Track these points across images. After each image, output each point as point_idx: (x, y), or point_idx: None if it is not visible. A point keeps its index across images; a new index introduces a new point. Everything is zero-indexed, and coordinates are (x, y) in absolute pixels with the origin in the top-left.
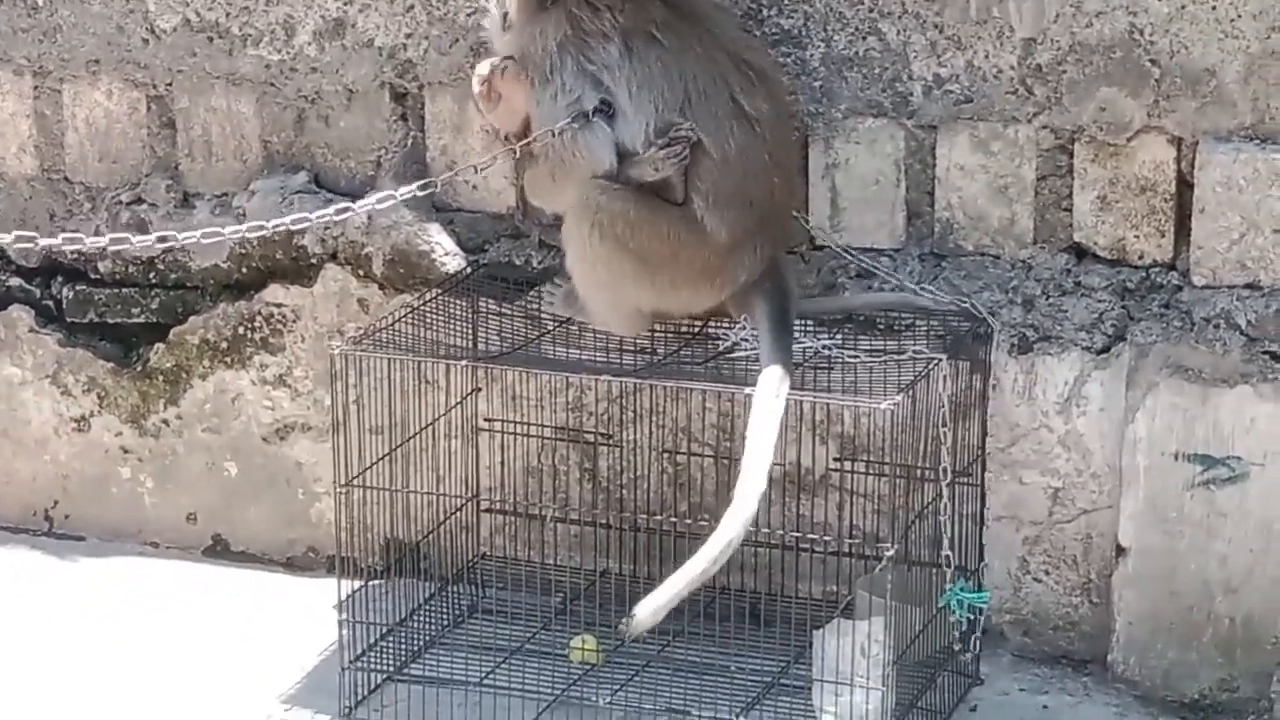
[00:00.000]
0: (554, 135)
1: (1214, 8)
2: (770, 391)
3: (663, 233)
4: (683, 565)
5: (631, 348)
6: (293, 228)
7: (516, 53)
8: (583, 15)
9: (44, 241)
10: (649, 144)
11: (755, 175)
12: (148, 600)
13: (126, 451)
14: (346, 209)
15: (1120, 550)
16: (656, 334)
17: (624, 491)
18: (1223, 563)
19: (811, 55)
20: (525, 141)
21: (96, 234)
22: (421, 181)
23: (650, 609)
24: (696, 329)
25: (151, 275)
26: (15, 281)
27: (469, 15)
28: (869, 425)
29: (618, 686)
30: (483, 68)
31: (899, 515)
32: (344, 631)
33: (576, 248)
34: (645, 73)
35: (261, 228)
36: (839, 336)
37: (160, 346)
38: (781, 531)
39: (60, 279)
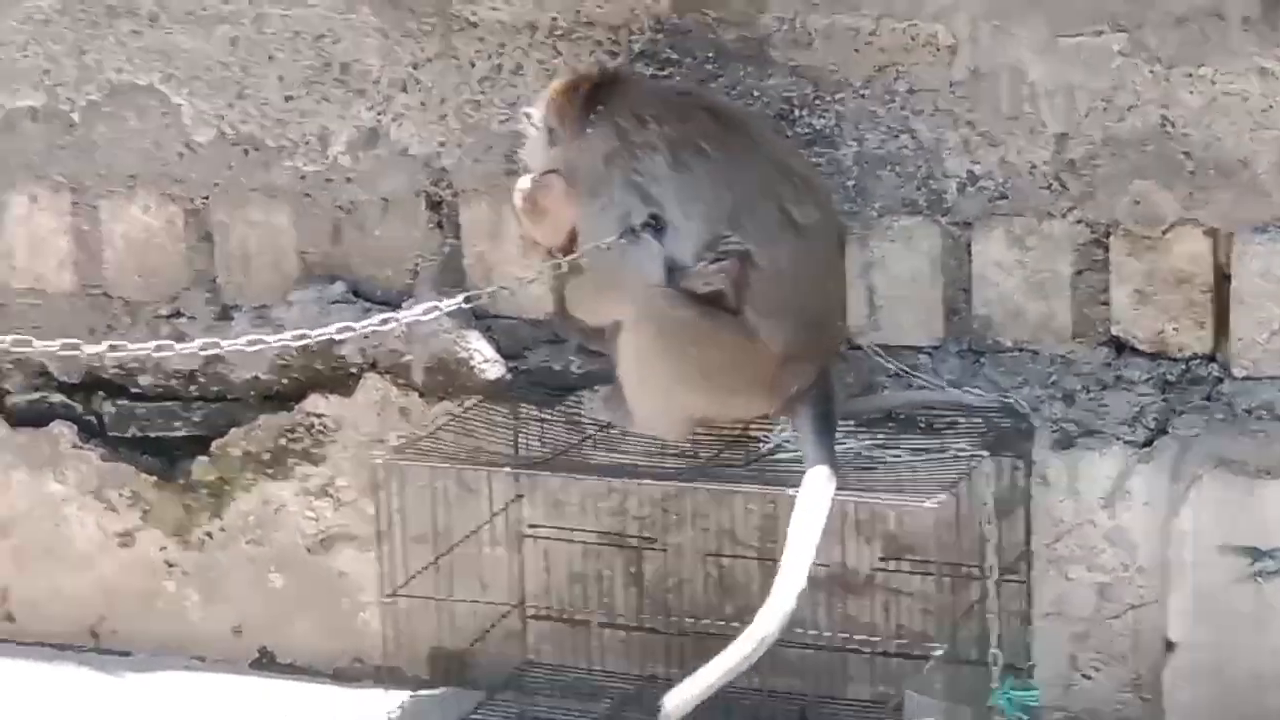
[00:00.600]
0: (601, 249)
1: (1245, 99)
2: (816, 490)
3: (722, 341)
4: (718, 660)
5: (674, 451)
6: (337, 337)
7: (561, 166)
8: (629, 128)
9: (89, 349)
10: (699, 258)
11: (807, 284)
12: (196, 715)
13: (171, 565)
14: (391, 318)
15: (1169, 645)
16: (698, 437)
17: (669, 596)
18: (1274, 655)
19: (844, 154)
20: (573, 256)
21: None
22: (466, 293)
23: (679, 700)
24: (739, 431)
25: (193, 388)
26: (57, 398)
27: (502, 123)
28: (913, 524)
29: None
30: (523, 182)
31: (946, 615)
32: None
33: (632, 353)
34: (694, 186)
35: (305, 336)
36: (880, 436)
37: (203, 459)
38: (829, 633)
39: (102, 394)
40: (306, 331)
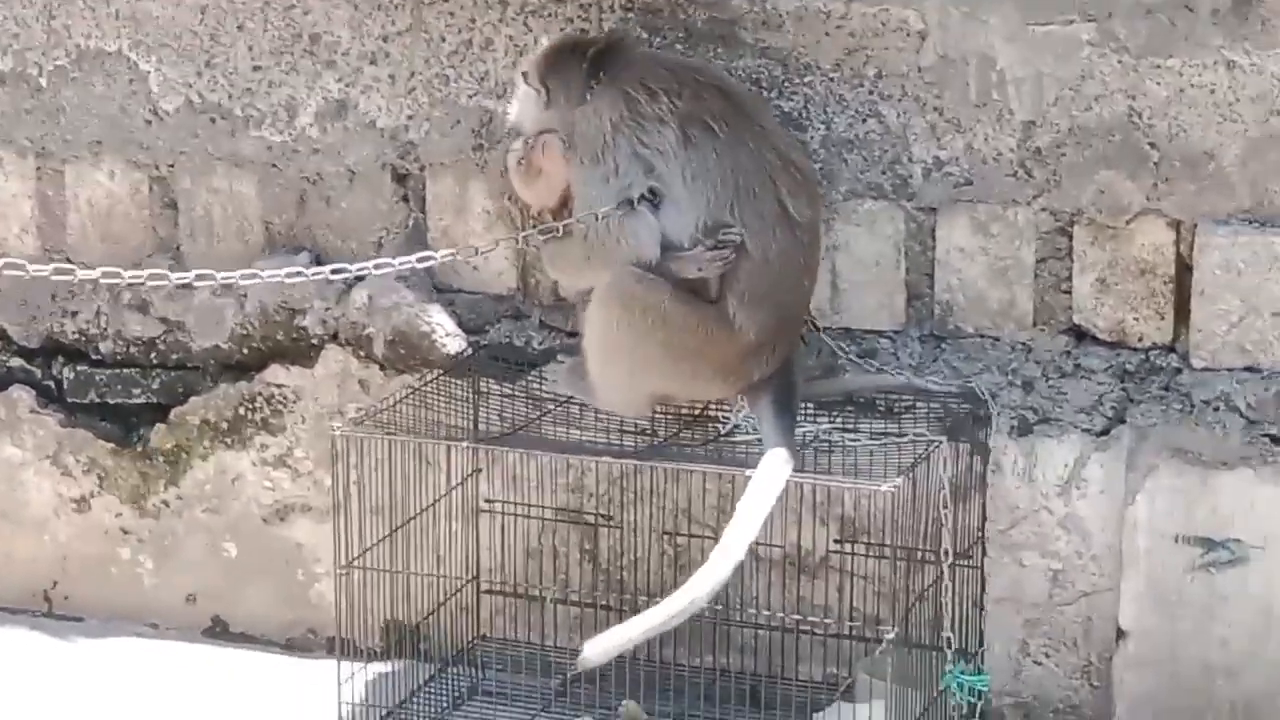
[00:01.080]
0: (598, 219)
1: (1212, 91)
2: (771, 470)
3: (692, 326)
4: (643, 615)
5: (632, 429)
6: (375, 271)
7: (561, 129)
8: (640, 98)
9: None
10: (696, 241)
11: (789, 278)
12: (147, 682)
13: (126, 532)
14: (342, 269)
15: (1121, 633)
16: (657, 416)
17: (624, 573)
18: (1224, 646)
19: (812, 137)
20: (568, 222)
21: (98, 315)
22: (421, 254)
23: (598, 648)
24: (697, 411)
25: (152, 355)
26: (16, 362)
27: (470, 97)
28: (869, 507)
29: None
30: (518, 142)
31: (899, 598)
32: (344, 713)
33: (599, 329)
34: (700, 164)
35: (300, 273)
36: (839, 420)
37: (161, 427)
38: (782, 614)
39: (61, 359)
40: (346, 266)
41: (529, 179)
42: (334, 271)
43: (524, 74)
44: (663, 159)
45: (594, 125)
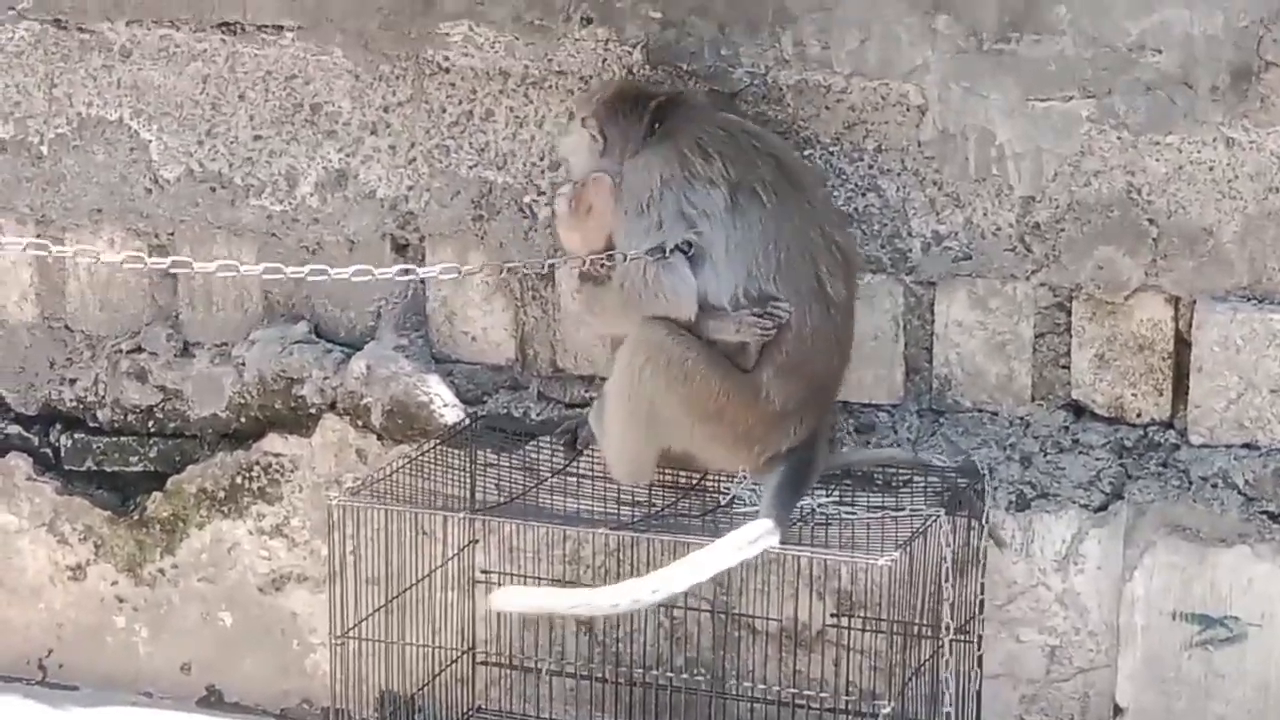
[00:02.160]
0: (625, 259)
1: (1211, 169)
2: (749, 534)
3: (714, 389)
4: (561, 590)
5: (629, 500)
6: (398, 277)
7: (612, 176)
8: (693, 157)
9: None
10: (737, 303)
11: (821, 356)
12: None
13: (122, 600)
14: (322, 271)
15: (1118, 710)
16: (654, 486)
17: (620, 645)
18: None
19: None
20: (600, 257)
21: (96, 383)
22: (402, 266)
23: (508, 599)
24: (695, 481)
25: (150, 424)
26: (13, 429)
27: (470, 168)
28: (866, 581)
29: None
30: (565, 186)
31: (896, 672)
32: None
33: (622, 379)
34: (745, 231)
35: (368, 271)
36: (837, 493)
37: (158, 495)
38: (778, 687)
39: (58, 426)
40: (370, 268)
41: (577, 219)
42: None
43: (582, 118)
44: (707, 221)
45: (643, 178)
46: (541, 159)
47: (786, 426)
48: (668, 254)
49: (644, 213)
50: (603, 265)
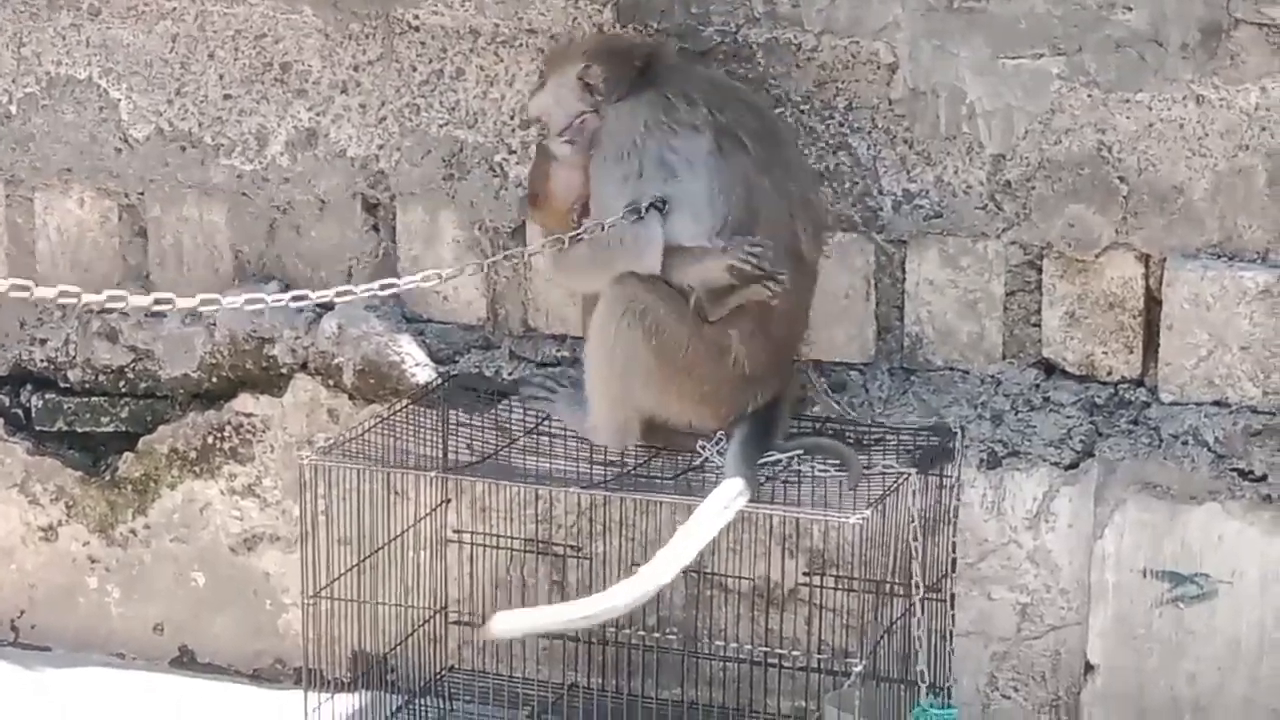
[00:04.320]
0: (604, 228)
1: (1182, 126)
2: (723, 497)
3: (683, 342)
4: (559, 605)
5: (602, 459)
6: (380, 293)
7: (590, 122)
8: (679, 103)
9: (135, 301)
10: (714, 237)
11: (788, 317)
12: (113, 712)
13: (94, 561)
14: (303, 296)
15: (1089, 667)
16: (631, 446)
17: None
18: (1191, 681)
19: None
20: (581, 230)
21: (67, 343)
22: (383, 281)
23: (507, 624)
24: (669, 443)
25: (121, 384)
26: None
27: (441, 127)
28: (838, 539)
29: None
30: (555, 141)
31: (868, 630)
32: None
33: (600, 334)
34: (729, 175)
35: (350, 292)
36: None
37: (129, 455)
38: (750, 646)
39: (29, 387)
40: (352, 288)
41: (580, 154)
42: (295, 299)
43: (584, 67)
44: (689, 167)
45: (627, 124)
46: (512, 118)
47: (752, 390)
48: (643, 213)
49: (624, 159)
50: (576, 222)
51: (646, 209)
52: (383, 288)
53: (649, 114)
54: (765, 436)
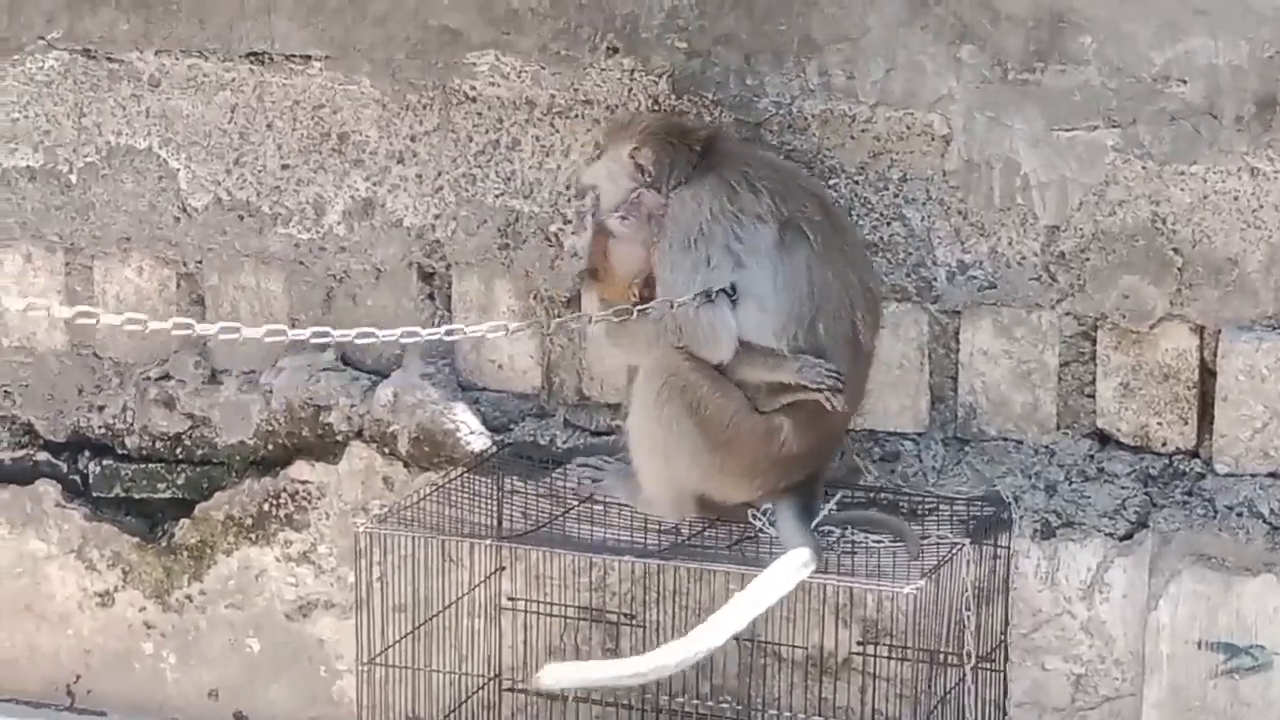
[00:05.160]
0: (673, 307)
1: (1236, 198)
2: (785, 568)
3: (726, 420)
4: (611, 661)
5: (656, 528)
6: (403, 339)
7: (648, 208)
8: (742, 191)
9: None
10: (791, 345)
11: (845, 403)
12: None
13: (150, 627)
14: (460, 330)
15: None
16: (686, 517)
17: None
18: None
19: None
20: (649, 305)
21: (124, 410)
22: (448, 327)
23: (557, 675)
24: (722, 512)
25: (178, 451)
26: (42, 456)
27: (497, 197)
28: (892, 609)
29: None
30: (611, 218)
31: (922, 700)
32: None
33: (642, 408)
34: (791, 270)
35: (370, 333)
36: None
37: (186, 522)
38: (803, 715)
39: (87, 453)
40: (373, 330)
41: (636, 231)
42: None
43: (634, 148)
44: (754, 258)
45: (691, 210)
46: (567, 188)
47: (793, 467)
48: (713, 298)
49: (691, 246)
50: (637, 302)
51: (717, 293)
52: (448, 333)
53: (713, 201)
54: (811, 506)
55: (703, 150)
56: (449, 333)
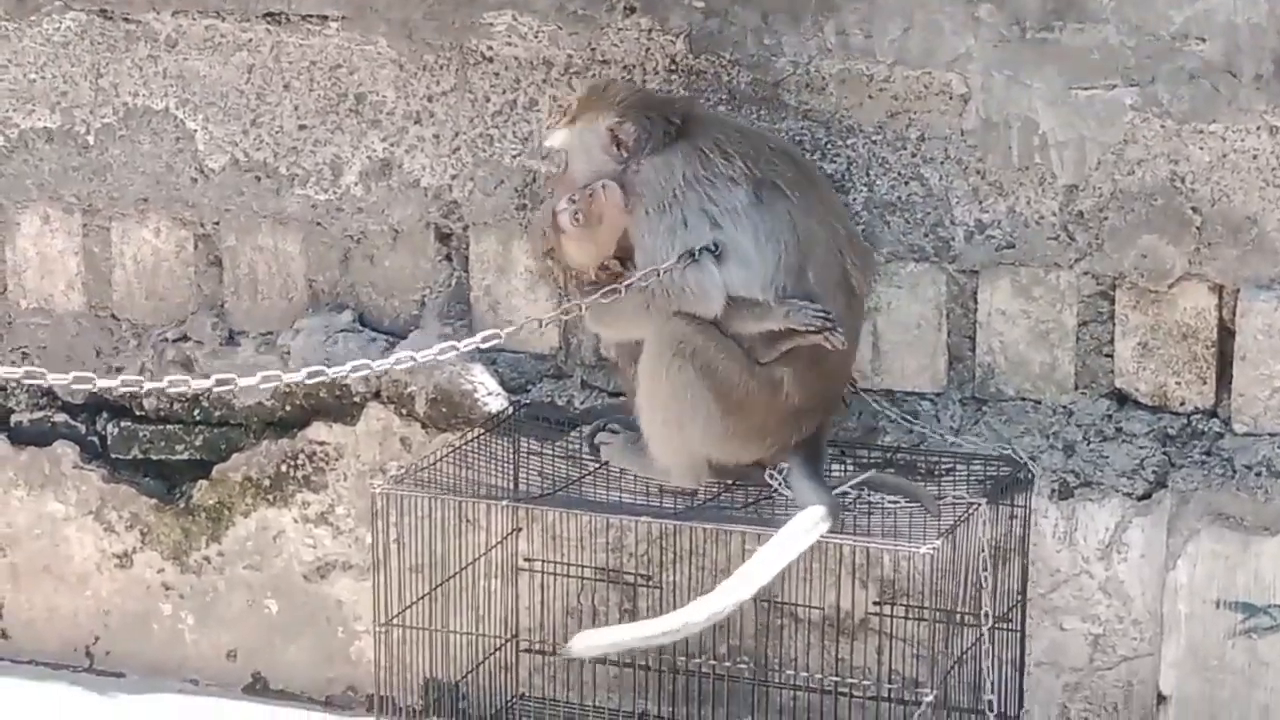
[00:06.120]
0: (659, 275)
1: (1255, 156)
2: (805, 523)
3: (737, 381)
4: (639, 622)
5: (672, 489)
6: (352, 375)
7: (626, 180)
8: (714, 157)
9: (101, 383)
10: (777, 294)
11: (842, 352)
12: None
13: (168, 588)
14: (409, 358)
15: (1161, 698)
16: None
17: None
18: (1265, 713)
19: (854, 199)
20: (636, 278)
21: (142, 371)
22: (485, 333)
23: (586, 643)
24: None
25: (196, 412)
26: (60, 417)
27: (514, 157)
28: (909, 569)
29: None
30: (563, 201)
31: (939, 660)
32: None
33: (650, 377)
34: (773, 224)
35: (321, 372)
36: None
37: (203, 483)
38: (820, 675)
39: (105, 415)
40: (323, 368)
41: (589, 230)
42: (399, 361)
43: (617, 122)
44: (731, 217)
45: (664, 176)
46: None
47: (800, 420)
48: (696, 256)
49: (666, 210)
50: (622, 276)
51: (700, 252)
52: (485, 340)
53: (685, 167)
54: (819, 463)
55: (677, 119)
56: (485, 339)
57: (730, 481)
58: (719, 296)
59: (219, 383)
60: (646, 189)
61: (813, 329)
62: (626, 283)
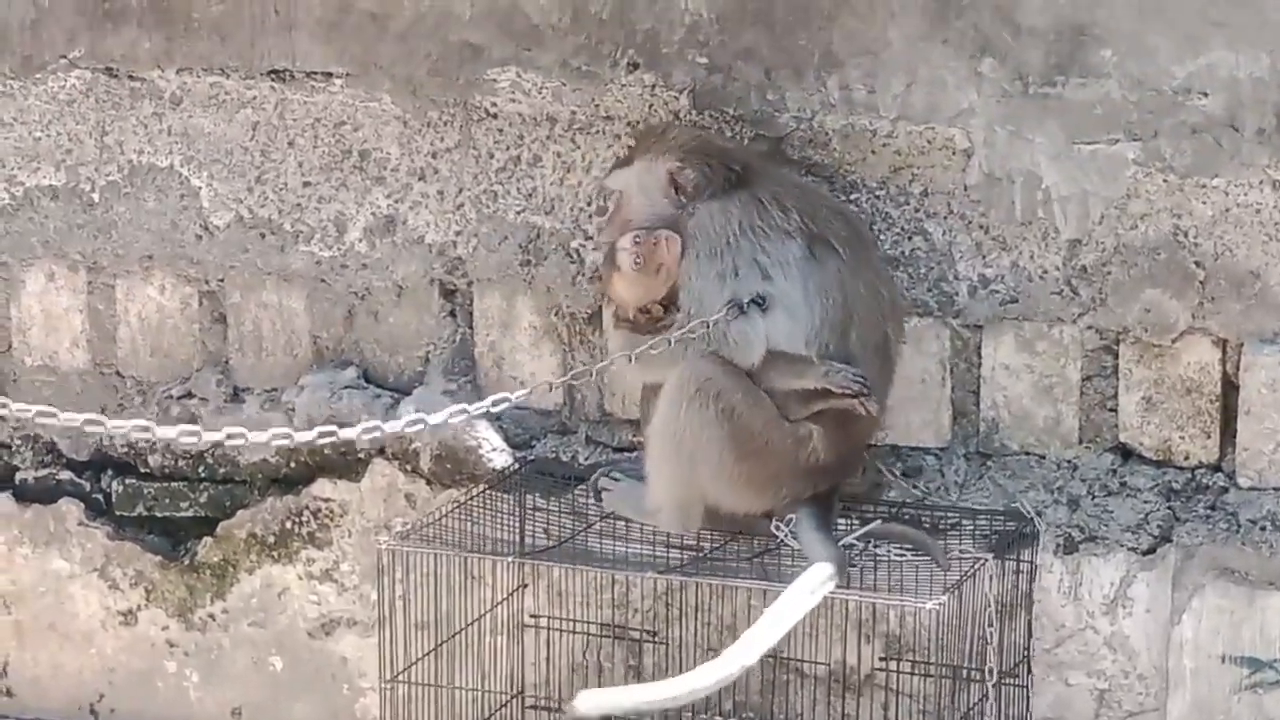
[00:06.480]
0: (708, 328)
1: (1258, 211)
2: (812, 581)
3: (757, 430)
4: (645, 684)
5: (678, 544)
6: (364, 436)
7: (681, 223)
8: (771, 208)
9: (112, 424)
10: (820, 351)
11: (869, 415)
12: None
13: (173, 645)
14: (421, 420)
15: None
16: (702, 530)
17: None
18: None
19: None
20: (683, 332)
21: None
22: (495, 397)
23: (593, 702)
24: (743, 526)
25: (200, 469)
26: (65, 475)
27: (518, 213)
28: (915, 625)
29: None
30: (626, 239)
31: (944, 716)
32: None
33: (668, 412)
34: (823, 280)
35: (333, 432)
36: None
37: (208, 540)
38: None
39: (110, 472)
40: (334, 428)
41: (641, 275)
42: (410, 424)
43: (677, 166)
44: (782, 269)
45: (719, 223)
46: (589, 204)
47: (819, 477)
48: (745, 309)
49: (718, 257)
50: (661, 323)
51: (748, 304)
52: (494, 404)
53: (742, 216)
54: (829, 518)
55: (737, 168)
56: (495, 403)
57: (733, 532)
58: (760, 348)
59: (229, 436)
60: (700, 233)
61: (849, 393)
62: (674, 335)
